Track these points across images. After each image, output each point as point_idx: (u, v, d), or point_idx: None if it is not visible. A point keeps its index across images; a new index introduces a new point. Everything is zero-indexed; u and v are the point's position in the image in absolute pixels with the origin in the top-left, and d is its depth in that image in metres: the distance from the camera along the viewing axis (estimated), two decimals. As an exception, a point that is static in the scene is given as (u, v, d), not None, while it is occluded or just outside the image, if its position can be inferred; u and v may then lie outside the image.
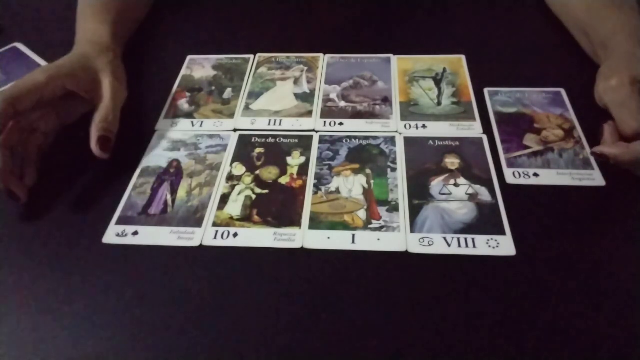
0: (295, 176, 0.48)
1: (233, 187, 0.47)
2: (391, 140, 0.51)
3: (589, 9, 0.56)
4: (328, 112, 0.54)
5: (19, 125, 0.47)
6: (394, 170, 0.48)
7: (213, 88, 0.59)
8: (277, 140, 0.52)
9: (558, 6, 0.63)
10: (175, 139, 0.53)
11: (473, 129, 0.51)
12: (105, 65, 0.52)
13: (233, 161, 0.50)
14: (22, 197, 0.45)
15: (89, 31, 0.56)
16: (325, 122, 0.53)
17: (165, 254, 0.42)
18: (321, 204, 0.45)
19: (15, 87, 0.46)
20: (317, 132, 0.52)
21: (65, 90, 0.48)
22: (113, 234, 0.44)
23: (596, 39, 0.54)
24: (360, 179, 0.47)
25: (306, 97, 0.57)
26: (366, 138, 0.51)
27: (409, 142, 0.50)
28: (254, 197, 0.46)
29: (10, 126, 0.46)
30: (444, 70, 0.58)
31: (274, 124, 0.53)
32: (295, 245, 0.42)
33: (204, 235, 0.43)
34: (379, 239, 0.42)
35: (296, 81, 0.59)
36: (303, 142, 0.51)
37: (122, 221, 0.45)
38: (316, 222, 0.44)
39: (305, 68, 0.60)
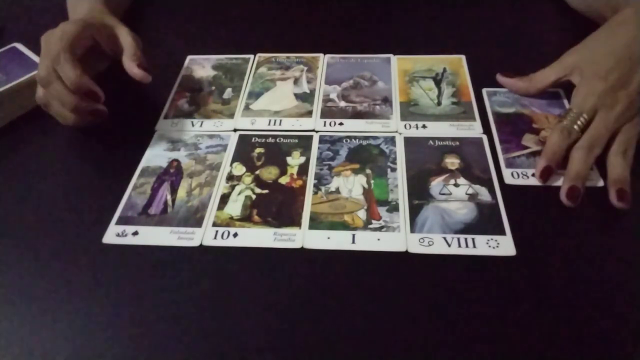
0: (295, 176, 0.48)
1: (233, 187, 0.47)
2: (391, 140, 0.51)
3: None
4: (328, 112, 0.55)
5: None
6: (394, 170, 0.48)
7: (213, 88, 0.59)
8: (277, 140, 0.52)
9: (582, 5, 0.63)
10: (175, 139, 0.53)
11: (473, 129, 0.51)
12: (117, 22, 0.56)
13: (233, 161, 0.50)
14: (104, 108, 0.51)
15: (85, 9, 0.58)
16: (325, 122, 0.53)
17: (165, 254, 0.42)
18: (321, 204, 0.45)
19: (65, 38, 0.49)
20: (317, 132, 0.52)
21: (92, 42, 0.53)
22: (113, 234, 0.44)
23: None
24: (360, 179, 0.47)
25: (306, 97, 0.57)
26: (366, 138, 0.51)
27: (409, 142, 0.50)
28: (254, 197, 0.46)
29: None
30: (444, 70, 0.58)
31: (274, 124, 0.53)
32: (295, 245, 0.42)
33: (204, 235, 0.43)
34: (379, 239, 0.42)
35: (296, 81, 0.59)
36: (303, 142, 0.51)
37: (122, 221, 0.45)
38: (316, 222, 0.44)
39: (305, 68, 0.60)
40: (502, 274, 0.39)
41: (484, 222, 0.43)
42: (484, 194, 0.45)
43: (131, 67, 0.52)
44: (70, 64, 0.48)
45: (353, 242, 0.42)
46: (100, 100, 0.50)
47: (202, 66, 0.62)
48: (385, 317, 0.37)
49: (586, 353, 0.35)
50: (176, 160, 0.50)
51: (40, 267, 0.42)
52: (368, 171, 0.48)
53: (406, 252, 0.41)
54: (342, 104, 0.56)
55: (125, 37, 0.54)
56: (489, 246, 0.41)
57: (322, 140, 0.51)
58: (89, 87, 0.49)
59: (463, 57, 0.60)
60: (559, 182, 0.45)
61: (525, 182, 0.46)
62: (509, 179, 0.46)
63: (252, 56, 0.62)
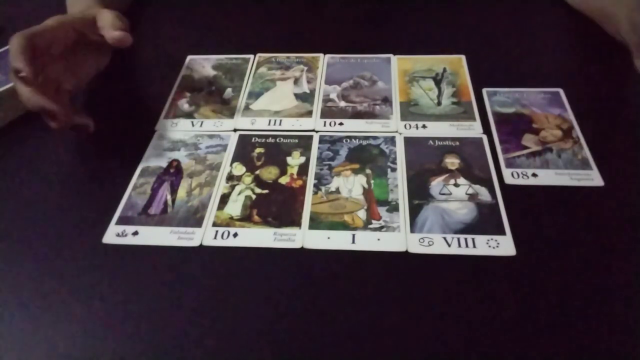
0: (295, 176, 0.48)
1: (233, 187, 0.47)
2: (391, 140, 0.51)
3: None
4: (328, 112, 0.55)
5: (45, 82, 0.49)
6: (394, 170, 0.48)
7: (213, 88, 0.59)
8: (277, 140, 0.52)
9: (583, 5, 0.63)
10: (175, 139, 0.53)
11: (473, 129, 0.51)
12: (101, 9, 0.54)
13: (233, 161, 0.50)
14: (91, 124, 0.50)
15: (82, 6, 0.58)
16: (325, 122, 0.53)
17: (165, 254, 0.42)
18: (321, 204, 0.45)
19: (30, 28, 0.48)
20: (317, 132, 0.52)
21: (75, 33, 0.51)
22: (113, 234, 0.44)
23: (617, 19, 0.53)
24: (360, 179, 0.47)
25: (306, 97, 0.57)
26: (366, 138, 0.51)
27: (409, 142, 0.50)
28: (254, 197, 0.46)
29: (40, 81, 0.48)
30: (444, 70, 0.58)
31: (274, 124, 0.53)
32: (295, 245, 0.42)
33: (204, 235, 0.43)
34: (379, 239, 0.42)
35: (296, 81, 0.59)
36: (303, 142, 0.51)
37: (122, 221, 0.45)
38: (316, 222, 0.44)
39: (305, 68, 0.60)
40: (502, 274, 0.39)
41: (484, 222, 0.43)
42: (484, 194, 0.45)
43: (110, 34, 0.50)
44: (17, 49, 0.46)
45: (353, 242, 0.42)
46: (90, 128, 0.49)
47: (202, 66, 0.62)
48: (385, 317, 0.37)
49: (586, 353, 0.35)
50: (176, 160, 0.50)
51: (40, 267, 0.42)
52: (368, 171, 0.48)
53: (406, 252, 0.41)
54: (342, 104, 0.56)
55: (104, 16, 0.52)
56: (489, 246, 0.41)
57: (322, 140, 0.51)
58: (74, 122, 0.48)
59: (463, 57, 0.60)
60: (557, 182, 0.45)
61: (525, 182, 0.46)
62: (509, 179, 0.46)
63: (252, 56, 0.62)
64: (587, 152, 0.48)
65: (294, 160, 0.49)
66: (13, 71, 0.46)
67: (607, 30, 0.58)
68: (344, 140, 0.51)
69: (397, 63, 0.60)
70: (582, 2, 0.63)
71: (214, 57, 0.63)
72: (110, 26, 0.51)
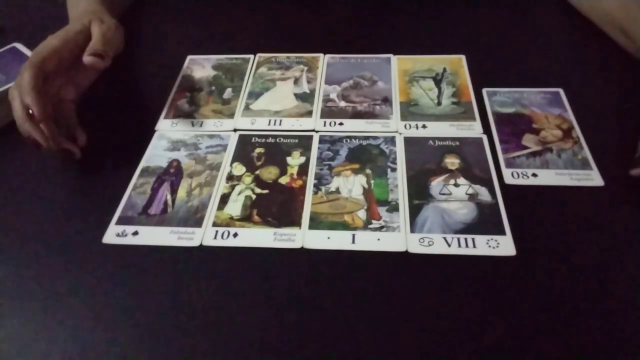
0: (295, 176, 0.48)
1: (233, 187, 0.47)
2: (391, 140, 0.51)
3: (622, 5, 0.56)
4: (328, 112, 0.55)
5: (49, 95, 0.49)
6: (394, 170, 0.48)
7: (213, 88, 0.59)
8: (277, 140, 0.52)
9: (587, 7, 0.62)
10: (175, 139, 0.53)
11: (473, 129, 0.51)
12: (96, 20, 0.55)
13: (233, 161, 0.50)
14: (77, 152, 0.50)
15: (82, 8, 0.58)
16: (325, 122, 0.53)
17: (165, 254, 0.42)
18: (321, 204, 0.45)
19: (38, 53, 0.49)
20: (317, 132, 0.52)
21: (79, 49, 0.52)
22: (113, 234, 0.44)
23: (637, 36, 0.53)
24: (360, 179, 0.47)
25: (306, 97, 0.57)
26: (366, 138, 0.51)
27: (409, 142, 0.50)
28: (254, 197, 0.46)
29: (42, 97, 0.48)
30: (444, 70, 0.58)
31: (274, 124, 0.53)
32: (295, 245, 0.42)
33: (204, 235, 0.43)
34: (379, 239, 0.42)
35: (296, 81, 0.59)
36: (303, 142, 0.51)
37: (122, 221, 0.45)
38: (316, 222, 0.44)
39: (305, 68, 0.60)
40: (502, 274, 0.39)
41: (484, 222, 0.43)
42: (484, 194, 0.45)
43: (84, 58, 0.50)
44: (28, 83, 0.46)
45: (353, 242, 0.42)
46: (76, 156, 0.50)
47: (202, 66, 0.62)
48: (385, 317, 0.37)
49: (586, 353, 0.35)
50: (176, 160, 0.50)
51: (40, 267, 0.42)
52: (368, 171, 0.48)
53: (406, 252, 0.41)
54: (342, 104, 0.56)
55: (94, 32, 0.53)
56: (489, 246, 0.41)
57: (322, 140, 0.51)
58: (62, 147, 0.48)
59: (463, 57, 0.60)
60: (557, 182, 0.45)
61: (525, 182, 0.46)
62: (509, 179, 0.46)
63: (252, 56, 0.62)
64: (587, 152, 0.48)
65: (294, 160, 0.49)
66: (24, 106, 0.47)
67: (618, 41, 0.58)
68: (344, 140, 0.51)
69: (397, 63, 0.60)
70: (591, 12, 0.61)
71: (214, 57, 0.63)
72: (89, 48, 0.51)
